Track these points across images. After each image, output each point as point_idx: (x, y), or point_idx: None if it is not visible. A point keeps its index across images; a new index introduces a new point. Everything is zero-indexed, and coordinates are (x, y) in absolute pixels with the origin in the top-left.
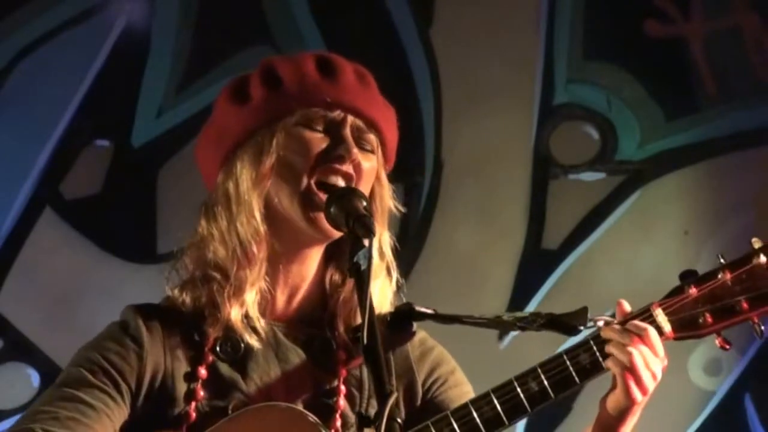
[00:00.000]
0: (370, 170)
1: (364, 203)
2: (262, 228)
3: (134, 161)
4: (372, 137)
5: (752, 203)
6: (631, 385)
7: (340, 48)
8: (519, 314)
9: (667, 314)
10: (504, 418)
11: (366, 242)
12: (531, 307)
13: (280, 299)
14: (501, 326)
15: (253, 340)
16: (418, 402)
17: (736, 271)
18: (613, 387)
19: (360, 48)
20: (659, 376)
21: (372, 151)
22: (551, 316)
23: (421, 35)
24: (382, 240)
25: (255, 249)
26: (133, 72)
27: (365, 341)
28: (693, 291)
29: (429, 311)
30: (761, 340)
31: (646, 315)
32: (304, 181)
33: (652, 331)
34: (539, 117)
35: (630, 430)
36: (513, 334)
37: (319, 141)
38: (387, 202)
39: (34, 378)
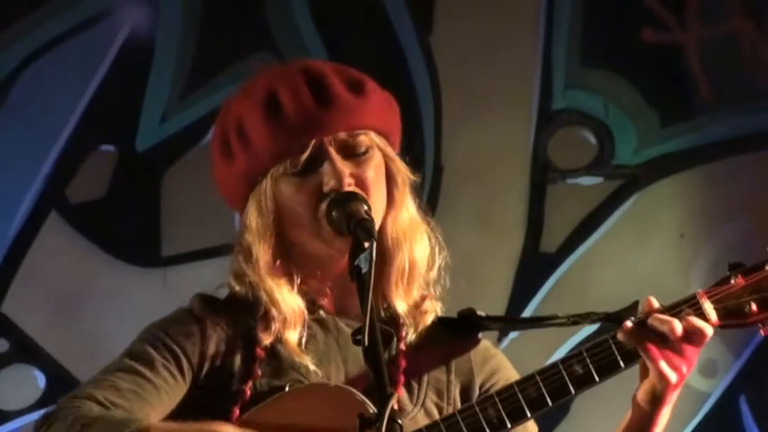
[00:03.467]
0: (375, 171)
1: (365, 207)
2: (280, 276)
3: (138, 166)
4: (361, 138)
5: (750, 209)
6: (661, 365)
7: (341, 55)
8: (573, 314)
9: (712, 302)
10: (548, 399)
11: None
12: (529, 310)
13: (336, 297)
14: (555, 324)
15: (312, 330)
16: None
17: None
18: (646, 374)
19: (361, 54)
20: (693, 360)
21: (369, 149)
22: (605, 314)
23: (421, 42)
24: (406, 208)
25: (282, 291)
26: (138, 78)
27: (366, 343)
28: (740, 281)
29: (487, 315)
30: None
31: (692, 302)
32: (313, 219)
33: (695, 319)
34: (537, 122)
35: (662, 429)
36: (511, 336)
37: (306, 181)
38: (403, 176)
39: (40, 379)
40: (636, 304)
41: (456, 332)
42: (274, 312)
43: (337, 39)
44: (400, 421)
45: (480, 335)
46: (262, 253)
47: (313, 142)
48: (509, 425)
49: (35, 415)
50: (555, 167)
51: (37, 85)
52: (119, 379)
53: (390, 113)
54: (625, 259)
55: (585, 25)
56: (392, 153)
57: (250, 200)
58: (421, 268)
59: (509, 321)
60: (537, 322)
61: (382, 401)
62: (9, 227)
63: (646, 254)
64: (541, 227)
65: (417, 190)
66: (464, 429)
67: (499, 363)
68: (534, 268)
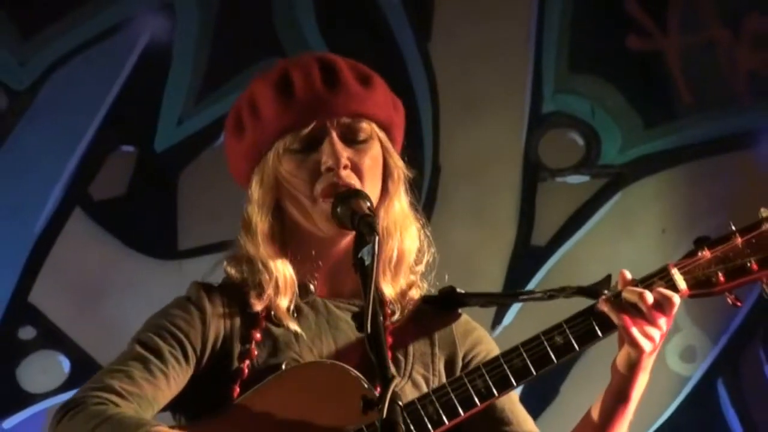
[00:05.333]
0: (372, 160)
1: (368, 204)
2: (277, 251)
3: (157, 165)
4: (362, 124)
5: (728, 205)
6: (634, 333)
7: None
8: (548, 289)
9: (682, 273)
10: (532, 369)
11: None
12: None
13: (327, 280)
14: (532, 299)
15: (294, 322)
16: (457, 374)
17: (746, 236)
18: (621, 345)
19: (364, 60)
20: (665, 328)
21: (368, 138)
22: (578, 287)
23: (420, 49)
24: (399, 201)
25: (278, 264)
26: (156, 83)
27: (369, 330)
28: (706, 253)
29: (467, 292)
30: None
31: (663, 274)
32: (309, 196)
33: (666, 291)
34: (529, 124)
35: (640, 392)
36: (505, 324)
37: (308, 159)
38: (399, 171)
39: (65, 364)
40: (609, 277)
41: (438, 308)
42: (266, 278)
43: (341, 45)
44: (400, 403)
45: (460, 311)
46: (261, 223)
47: (317, 121)
48: (497, 394)
49: (61, 398)
50: (545, 167)
51: (63, 89)
52: (132, 368)
53: (394, 111)
54: (611, 253)
55: (573, 33)
56: (391, 148)
57: (254, 174)
58: (409, 258)
59: (487, 296)
60: (514, 297)
61: (384, 384)
62: (36, 222)
63: (630, 248)
64: (533, 223)
65: (415, 187)
66: (454, 399)
67: (479, 336)
68: (525, 260)
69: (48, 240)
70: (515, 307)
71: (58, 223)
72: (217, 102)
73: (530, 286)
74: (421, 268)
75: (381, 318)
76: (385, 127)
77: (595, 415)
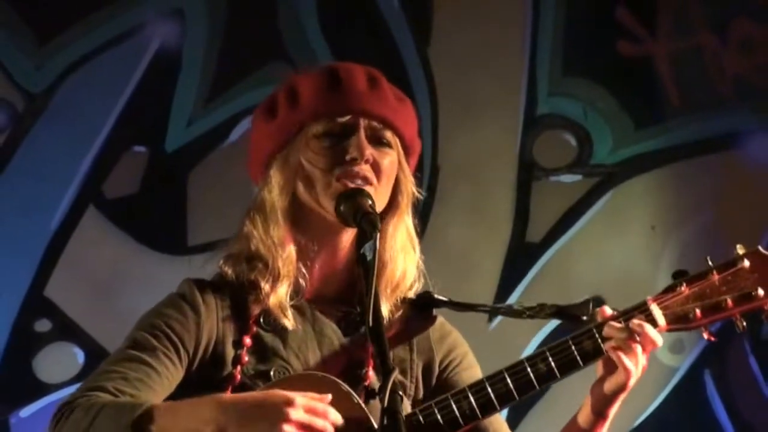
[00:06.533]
0: (389, 165)
1: (370, 202)
2: (288, 233)
3: (167, 165)
4: (388, 133)
5: (714, 204)
6: (626, 363)
7: None
8: (527, 305)
9: (661, 308)
10: (515, 394)
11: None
12: (516, 294)
13: (316, 282)
14: (511, 314)
15: (291, 317)
16: (434, 380)
17: (722, 273)
18: (605, 374)
19: (365, 64)
20: (645, 362)
21: (390, 146)
22: (557, 307)
23: (419, 54)
24: (407, 221)
25: (286, 248)
26: (167, 86)
27: (370, 324)
28: (684, 289)
29: (446, 299)
30: (740, 332)
31: (642, 309)
32: (327, 181)
33: (649, 329)
34: (524, 126)
35: (616, 410)
36: (500, 317)
37: (334, 147)
38: (410, 189)
39: (79, 356)
40: (588, 301)
41: (415, 312)
42: (268, 265)
43: (344, 50)
44: (401, 392)
45: (435, 312)
46: (281, 202)
47: (352, 116)
48: (480, 416)
49: (75, 388)
50: (539, 166)
51: (77, 92)
52: (127, 369)
53: (416, 138)
54: (602, 249)
55: (566, 38)
56: (406, 167)
57: (275, 160)
58: (408, 280)
59: (464, 306)
60: (493, 310)
61: (384, 375)
62: (52, 220)
63: (620, 244)
64: (527, 220)
65: (418, 208)
66: (440, 419)
67: (455, 340)
68: (521, 256)
69: (63, 236)
70: (511, 301)
71: (73, 220)
72: (225, 104)
73: (525, 281)
74: (411, 294)
75: (381, 313)
76: (406, 147)
77: (574, 429)
